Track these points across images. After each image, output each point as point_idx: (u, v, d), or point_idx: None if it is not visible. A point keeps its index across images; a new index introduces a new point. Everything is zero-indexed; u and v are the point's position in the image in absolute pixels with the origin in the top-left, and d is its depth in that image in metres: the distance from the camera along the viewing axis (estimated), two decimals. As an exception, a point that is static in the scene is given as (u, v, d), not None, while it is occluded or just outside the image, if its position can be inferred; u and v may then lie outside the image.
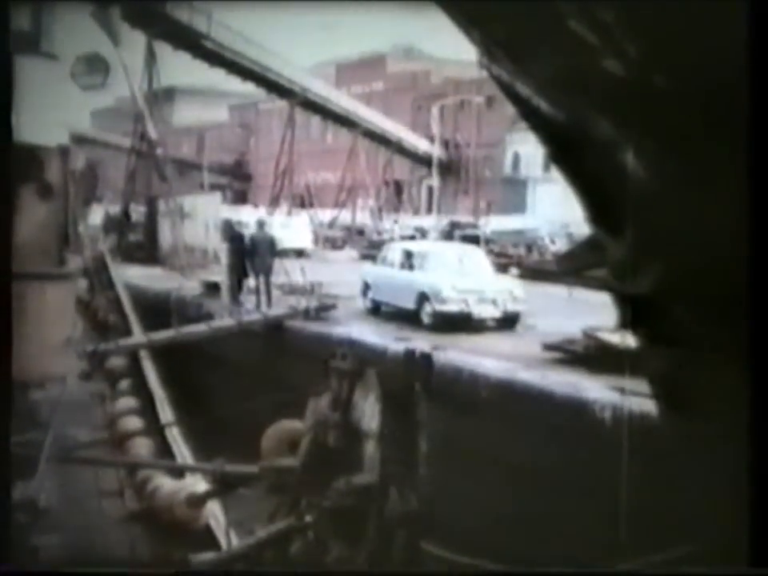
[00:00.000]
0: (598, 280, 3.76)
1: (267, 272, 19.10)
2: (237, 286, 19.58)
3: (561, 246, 32.32)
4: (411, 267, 17.53)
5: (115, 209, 37.24)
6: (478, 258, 18.89)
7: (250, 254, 19.28)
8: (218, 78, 48.19)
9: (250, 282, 19.71)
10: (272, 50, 46.06)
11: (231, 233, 22.19)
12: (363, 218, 54.77)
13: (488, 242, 34.01)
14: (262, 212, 43.65)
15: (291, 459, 7.22)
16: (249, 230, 22.89)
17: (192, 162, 68.03)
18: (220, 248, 27.96)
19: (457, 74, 56.45)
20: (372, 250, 31.46)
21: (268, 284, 19.06)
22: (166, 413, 11.52)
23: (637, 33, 2.56)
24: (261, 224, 20.76)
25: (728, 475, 3.07)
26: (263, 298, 18.81)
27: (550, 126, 3.12)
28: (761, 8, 2.54)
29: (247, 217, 35.37)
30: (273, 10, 30.98)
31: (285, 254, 23.47)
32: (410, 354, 13.43)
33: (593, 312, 11.01)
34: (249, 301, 19.20)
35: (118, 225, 34.39)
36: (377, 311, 18.23)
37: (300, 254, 32.83)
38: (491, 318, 16.52)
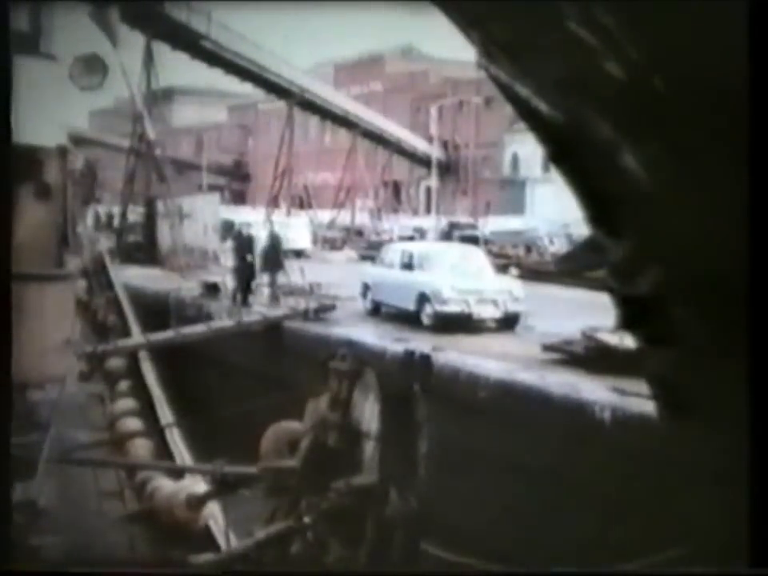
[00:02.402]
0: (597, 281, 3.75)
1: (277, 270, 19.36)
2: (245, 288, 19.57)
3: (560, 246, 32.32)
4: (411, 268, 17.50)
5: (105, 209, 37.26)
6: (478, 258, 18.85)
7: (264, 254, 19.61)
8: (217, 78, 48.26)
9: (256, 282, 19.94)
10: (271, 50, 46.18)
11: (236, 234, 22.03)
12: (362, 218, 54.80)
13: (487, 242, 34.00)
14: (261, 213, 43.66)
15: (291, 460, 7.22)
16: (249, 231, 22.99)
17: (191, 163, 68.08)
18: (219, 249, 27.95)
19: (455, 74, 56.54)
20: (371, 250, 31.48)
21: (274, 283, 19.34)
22: (165, 414, 11.50)
23: (637, 35, 2.56)
24: (271, 224, 21.12)
25: (728, 475, 3.07)
26: (271, 295, 19.10)
27: (549, 126, 3.11)
28: (761, 9, 2.55)
29: (248, 217, 35.39)
30: (272, 10, 30.99)
31: (284, 254, 23.55)
32: (409, 355, 13.42)
33: (592, 312, 11.03)
34: (254, 302, 19.32)
35: (116, 226, 34.41)
36: (377, 312, 18.22)
37: (299, 254, 32.82)
38: (491, 319, 16.51)
